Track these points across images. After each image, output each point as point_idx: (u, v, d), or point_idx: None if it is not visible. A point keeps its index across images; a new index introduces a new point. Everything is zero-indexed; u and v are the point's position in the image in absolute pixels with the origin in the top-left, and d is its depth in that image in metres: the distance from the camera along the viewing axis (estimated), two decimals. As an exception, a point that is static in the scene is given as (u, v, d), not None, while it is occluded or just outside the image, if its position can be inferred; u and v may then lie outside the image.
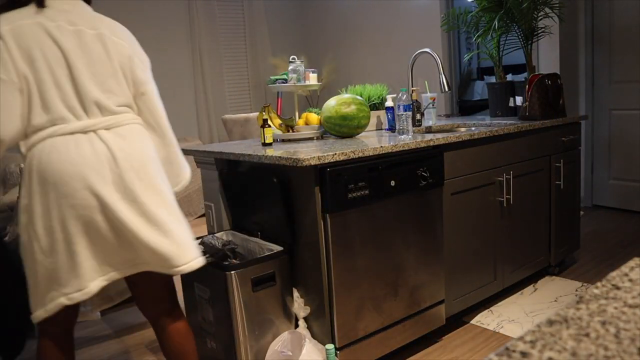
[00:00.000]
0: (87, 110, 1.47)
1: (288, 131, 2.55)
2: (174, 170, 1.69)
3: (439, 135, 2.24)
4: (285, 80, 2.64)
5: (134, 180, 1.47)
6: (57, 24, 1.45)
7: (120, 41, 1.58)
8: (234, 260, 2.07)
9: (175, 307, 1.71)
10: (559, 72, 3.98)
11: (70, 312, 1.56)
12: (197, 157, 2.41)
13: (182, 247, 1.53)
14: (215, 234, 2.24)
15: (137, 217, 1.45)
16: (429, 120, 2.96)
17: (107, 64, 1.52)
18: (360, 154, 1.92)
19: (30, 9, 1.46)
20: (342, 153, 1.86)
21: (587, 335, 0.47)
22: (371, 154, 1.95)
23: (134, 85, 1.59)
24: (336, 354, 1.94)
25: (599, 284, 0.59)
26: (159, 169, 1.57)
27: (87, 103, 1.47)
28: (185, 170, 1.72)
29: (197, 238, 2.17)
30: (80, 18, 1.51)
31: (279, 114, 2.88)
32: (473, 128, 2.75)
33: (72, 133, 1.43)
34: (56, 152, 1.40)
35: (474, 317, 2.55)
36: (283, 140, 2.50)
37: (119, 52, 1.56)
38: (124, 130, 1.51)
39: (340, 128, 2.40)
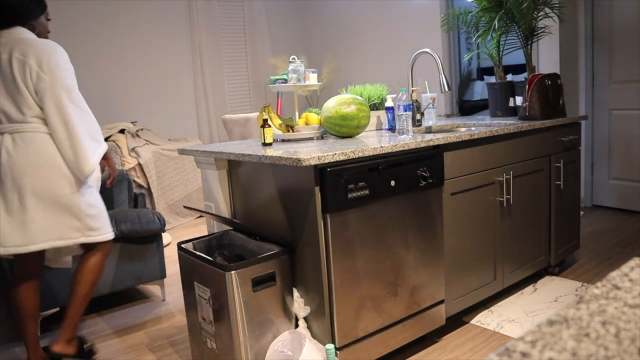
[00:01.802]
0: None
1: (288, 131, 2.55)
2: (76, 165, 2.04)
3: (439, 135, 2.24)
4: (285, 80, 2.64)
5: (23, 178, 1.96)
6: None
7: (27, 60, 1.93)
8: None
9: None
10: (559, 72, 3.98)
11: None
12: (197, 157, 2.40)
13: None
14: (214, 235, 2.24)
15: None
16: (429, 120, 2.96)
17: (14, 82, 1.94)
18: (360, 154, 1.92)
19: None
20: (342, 153, 1.86)
21: (588, 335, 0.47)
22: (371, 154, 1.95)
23: (38, 97, 1.97)
24: (336, 354, 1.94)
25: (599, 284, 0.59)
26: (46, 172, 1.98)
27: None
28: (82, 166, 2.03)
29: (196, 239, 2.18)
30: (5, 47, 1.96)
31: (279, 114, 2.88)
32: (473, 128, 2.75)
33: None
34: None
35: (474, 317, 2.55)
36: (283, 140, 2.50)
37: (26, 73, 1.93)
38: (20, 136, 1.96)
39: (341, 128, 2.40)
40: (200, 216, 4.98)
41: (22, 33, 2.00)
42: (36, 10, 2.08)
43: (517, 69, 4.75)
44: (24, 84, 1.93)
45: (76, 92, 2.02)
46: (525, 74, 3.23)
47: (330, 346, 1.89)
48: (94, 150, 2.04)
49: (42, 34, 2.11)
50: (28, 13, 2.04)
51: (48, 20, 2.17)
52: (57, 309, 2.72)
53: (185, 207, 2.38)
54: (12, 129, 1.97)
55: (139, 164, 4.51)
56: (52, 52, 1.97)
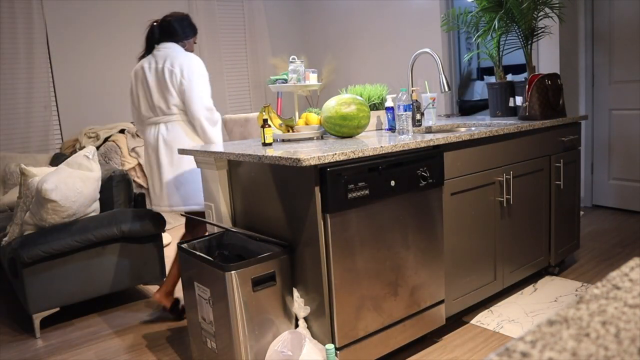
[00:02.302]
0: (154, 112, 2.70)
1: (288, 131, 2.55)
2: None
3: (439, 135, 2.24)
4: (285, 80, 2.64)
5: (163, 153, 2.68)
6: (148, 66, 2.67)
7: (174, 69, 2.61)
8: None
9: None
10: (559, 72, 3.98)
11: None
12: (197, 157, 2.40)
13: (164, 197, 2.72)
14: (214, 235, 2.24)
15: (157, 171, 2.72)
16: (429, 120, 2.96)
17: (165, 85, 2.63)
18: (360, 154, 1.92)
19: (149, 55, 2.72)
20: (342, 153, 1.86)
21: (588, 335, 0.47)
22: (371, 154, 1.95)
23: (180, 96, 2.65)
24: (336, 354, 1.94)
25: (599, 284, 0.59)
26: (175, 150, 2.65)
27: (154, 108, 2.68)
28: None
29: (196, 239, 2.18)
30: (161, 58, 2.65)
31: (279, 114, 2.88)
32: (473, 128, 2.75)
33: (152, 124, 2.72)
34: (147, 133, 2.76)
35: (474, 317, 2.55)
36: (283, 140, 2.50)
37: (173, 78, 2.62)
38: (170, 124, 2.68)
39: (341, 128, 2.40)
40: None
41: (173, 47, 2.68)
42: (190, 33, 2.76)
43: (517, 69, 4.75)
44: (172, 86, 2.60)
45: (206, 93, 2.64)
46: (525, 74, 3.23)
47: (330, 346, 1.89)
48: (217, 135, 2.70)
49: (188, 50, 2.75)
50: (184, 35, 2.73)
51: (195, 43, 2.82)
52: (57, 309, 2.72)
53: (182, 214, 2.42)
54: (165, 119, 2.66)
55: (139, 164, 4.51)
56: (190, 63, 2.62)
